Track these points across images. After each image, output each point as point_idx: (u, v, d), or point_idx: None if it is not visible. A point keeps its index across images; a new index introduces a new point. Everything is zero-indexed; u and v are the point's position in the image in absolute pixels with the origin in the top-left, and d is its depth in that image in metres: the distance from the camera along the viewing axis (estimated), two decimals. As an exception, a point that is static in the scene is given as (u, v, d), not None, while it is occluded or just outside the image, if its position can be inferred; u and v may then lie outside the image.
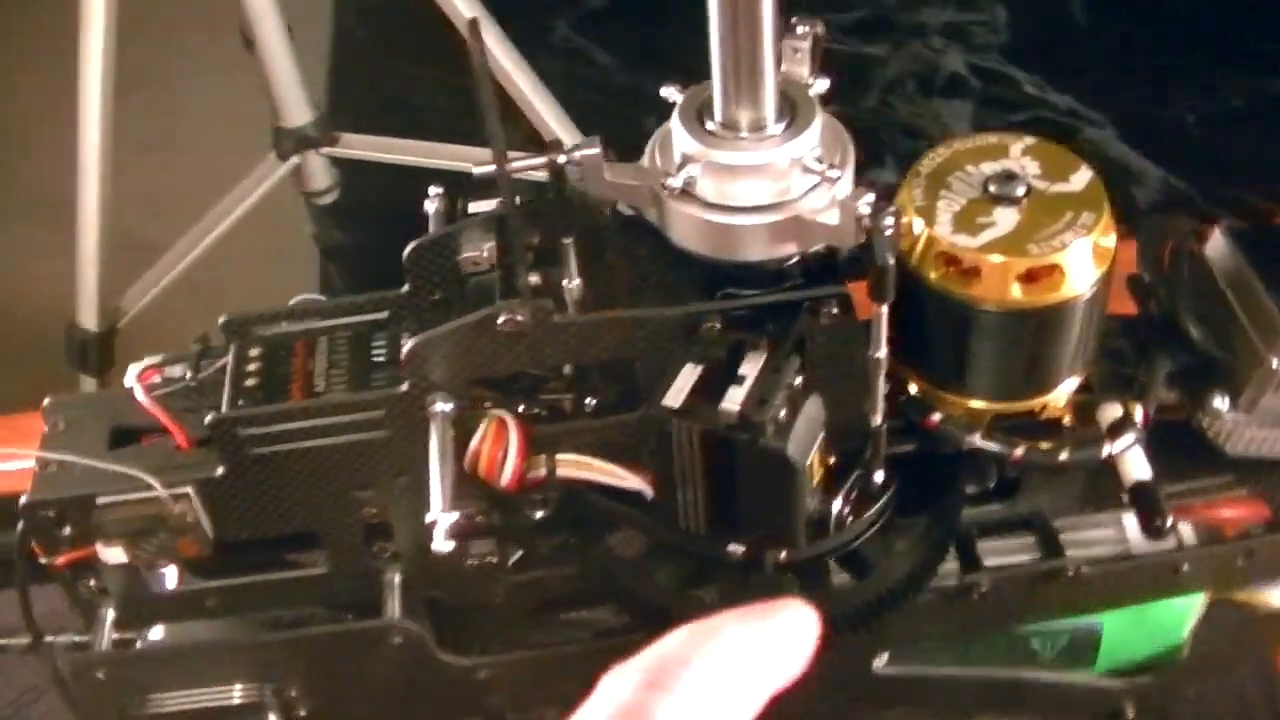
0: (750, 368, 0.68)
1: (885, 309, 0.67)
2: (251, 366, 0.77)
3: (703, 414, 0.67)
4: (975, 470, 0.84)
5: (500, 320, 0.69)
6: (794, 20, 0.72)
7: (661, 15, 2.44)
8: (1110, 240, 0.72)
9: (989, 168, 0.74)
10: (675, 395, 0.68)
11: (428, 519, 0.68)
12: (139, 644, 0.84)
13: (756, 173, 0.66)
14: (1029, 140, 0.75)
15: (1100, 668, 0.92)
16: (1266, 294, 0.78)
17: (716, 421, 0.67)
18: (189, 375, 0.79)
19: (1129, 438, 0.77)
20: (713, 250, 0.68)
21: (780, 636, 0.49)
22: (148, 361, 0.80)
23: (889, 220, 0.63)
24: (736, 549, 0.73)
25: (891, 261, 0.64)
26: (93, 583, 0.81)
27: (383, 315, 0.79)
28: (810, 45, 0.71)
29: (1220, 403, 0.81)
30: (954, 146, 0.75)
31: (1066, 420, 0.79)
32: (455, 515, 0.68)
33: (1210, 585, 0.86)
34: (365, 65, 2.87)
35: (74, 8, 1.49)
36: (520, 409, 0.77)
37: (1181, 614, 0.91)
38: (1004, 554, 0.86)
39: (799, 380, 0.68)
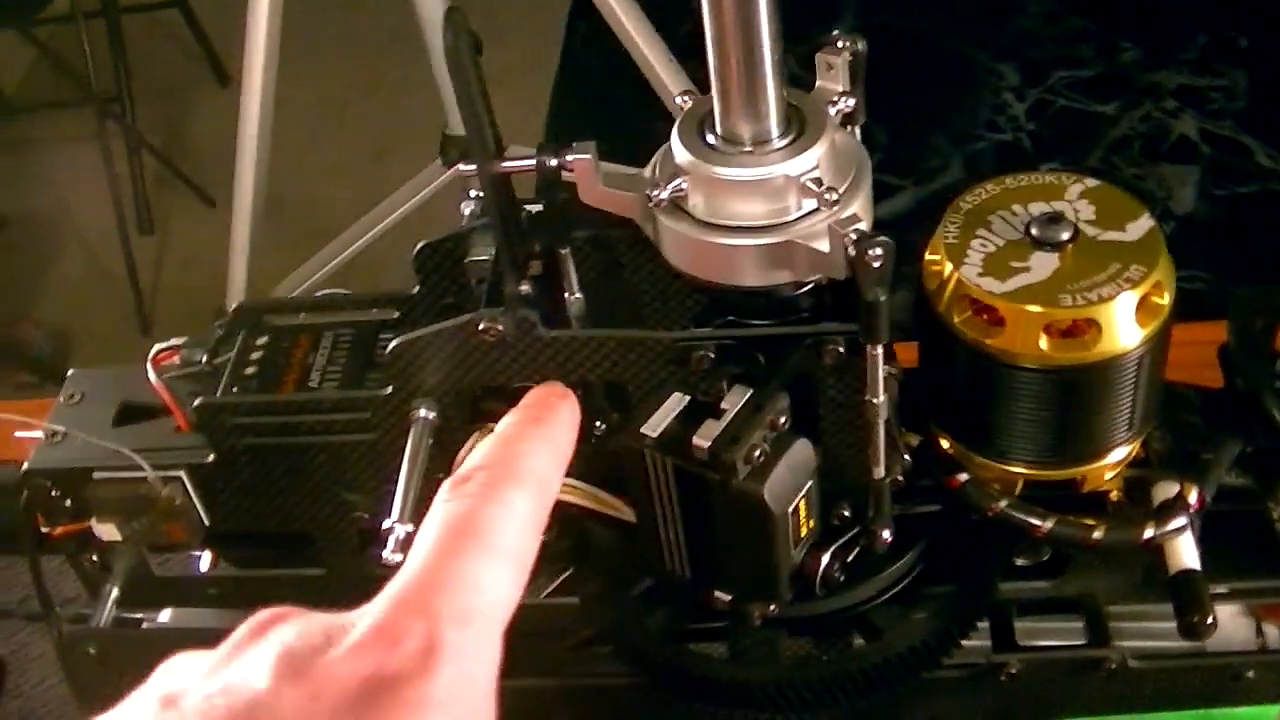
0: (732, 403, 0.62)
1: (880, 350, 0.61)
2: (255, 355, 0.75)
3: (675, 447, 0.62)
4: (1027, 544, 0.77)
5: (481, 328, 0.65)
6: (834, 33, 0.66)
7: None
8: (1165, 298, 0.65)
9: (1037, 208, 0.67)
10: (654, 425, 0.63)
11: (384, 525, 0.64)
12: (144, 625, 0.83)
13: (749, 190, 0.61)
14: (1091, 182, 0.69)
15: (1162, 774, 0.84)
16: (1358, 377, 0.70)
17: (687, 456, 0.62)
18: (204, 359, 0.77)
19: (1179, 521, 0.69)
20: (703, 272, 0.63)
21: (558, 429, 0.60)
22: (170, 343, 0.79)
23: (877, 251, 0.57)
24: (722, 597, 0.68)
25: (882, 298, 0.58)
26: (95, 559, 0.80)
27: (394, 315, 0.76)
28: (847, 61, 0.66)
29: (1296, 493, 0.72)
30: (1004, 183, 0.69)
31: (1114, 495, 0.72)
32: (409, 527, 0.64)
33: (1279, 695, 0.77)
34: (590, 90, 2.87)
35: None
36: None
37: (1255, 722, 0.82)
38: (1049, 637, 0.79)
39: (784, 421, 0.62)
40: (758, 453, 0.61)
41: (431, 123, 1.79)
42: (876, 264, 0.57)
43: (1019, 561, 0.78)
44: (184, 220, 2.57)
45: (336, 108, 2.77)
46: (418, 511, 0.65)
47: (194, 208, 2.55)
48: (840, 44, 0.66)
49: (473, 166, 0.63)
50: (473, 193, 0.75)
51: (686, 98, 0.65)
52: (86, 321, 2.38)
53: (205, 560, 0.84)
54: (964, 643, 0.73)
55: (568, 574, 0.79)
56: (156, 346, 0.78)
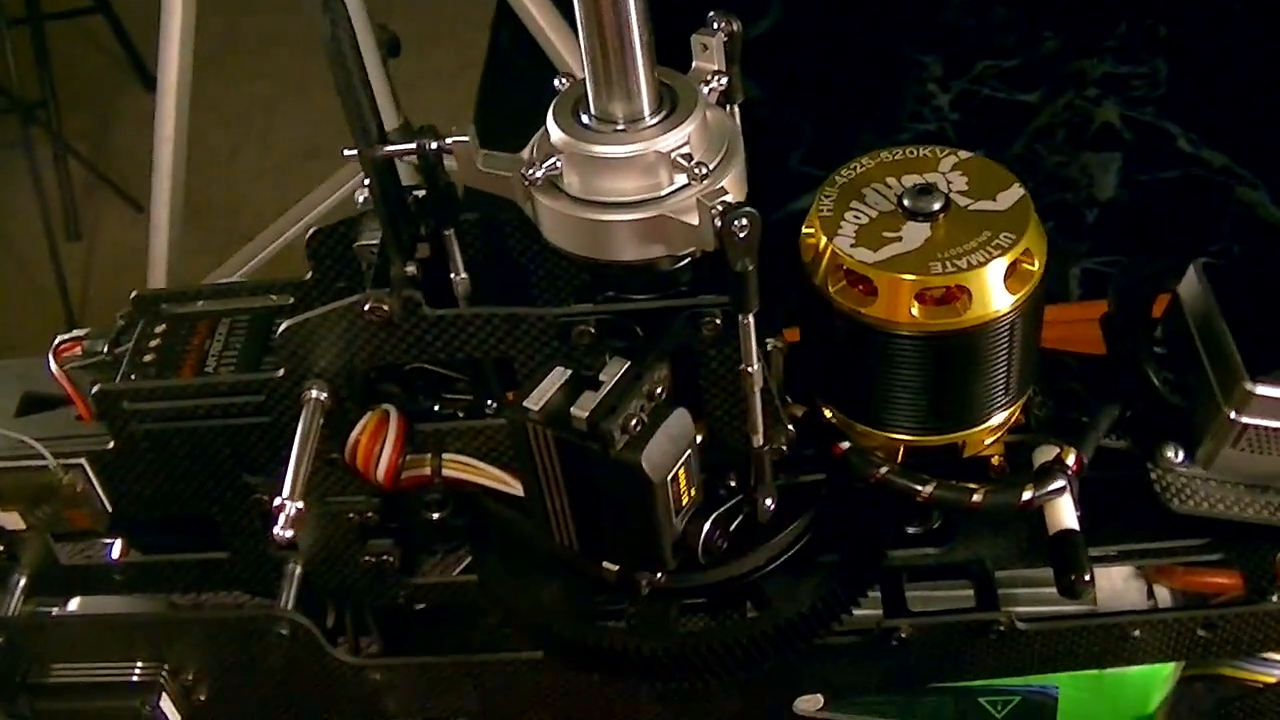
0: (610, 375, 0.64)
1: (752, 320, 0.62)
2: (153, 343, 0.76)
3: (556, 420, 0.63)
4: (917, 511, 0.79)
5: (367, 308, 0.66)
6: (710, 15, 0.68)
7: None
8: (1035, 264, 0.67)
9: (910, 180, 0.69)
10: (537, 398, 0.64)
11: (275, 503, 0.66)
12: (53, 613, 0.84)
13: (621, 166, 0.62)
14: (964, 154, 0.71)
15: (1059, 736, 0.86)
16: (1231, 337, 0.72)
17: (567, 427, 0.63)
18: (106, 349, 0.78)
19: (1057, 483, 0.71)
20: (580, 247, 0.64)
21: None
22: (72, 334, 0.80)
23: (743, 222, 0.59)
24: (611, 567, 0.69)
25: (750, 268, 0.60)
26: (1, 549, 0.81)
27: (289, 301, 0.77)
28: (723, 41, 0.67)
29: (1173, 454, 0.74)
30: (879, 157, 0.71)
31: (995, 460, 0.74)
32: (299, 504, 0.65)
33: (1170, 655, 0.79)
34: (517, 88, 2.87)
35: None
36: (433, 408, 0.75)
37: (1148, 684, 0.84)
38: (943, 604, 0.81)
39: (663, 391, 0.64)
40: (635, 422, 0.63)
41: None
42: (742, 234, 0.59)
43: (909, 530, 0.79)
44: (113, 226, 2.56)
45: (264, 109, 2.76)
46: (307, 490, 0.67)
47: (122, 214, 2.54)
48: (716, 24, 0.68)
49: (354, 151, 0.65)
50: (366, 181, 0.76)
51: (564, 80, 0.66)
52: (14, 330, 2.37)
53: (118, 549, 0.85)
54: (855, 610, 0.75)
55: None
56: (58, 338, 0.79)
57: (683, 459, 0.65)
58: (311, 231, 0.74)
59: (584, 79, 0.64)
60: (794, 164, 2.47)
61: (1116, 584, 0.86)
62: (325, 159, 2.44)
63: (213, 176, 2.50)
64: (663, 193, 0.62)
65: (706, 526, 0.67)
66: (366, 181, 0.73)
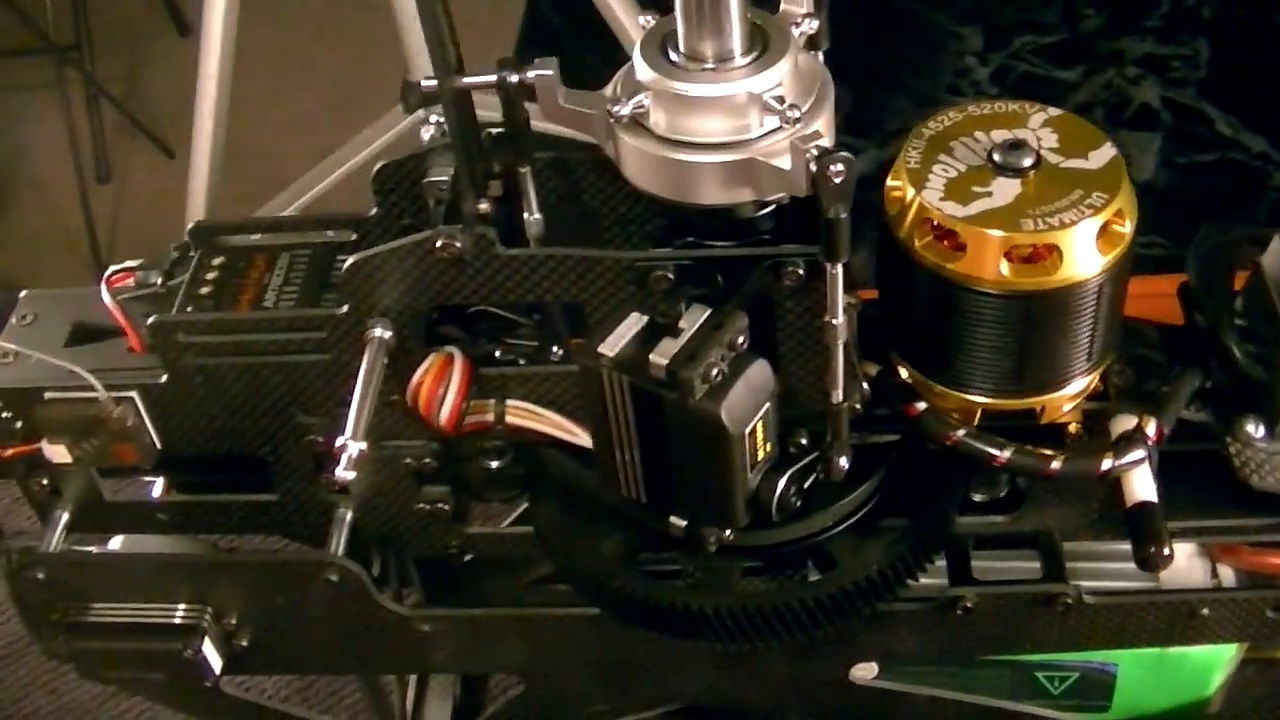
0: (690, 322, 0.62)
1: (840, 270, 0.60)
2: (210, 275, 0.74)
3: (632, 366, 0.62)
4: (985, 478, 0.77)
5: (438, 245, 0.64)
6: (797, -43, 0.66)
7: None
8: (1126, 226, 0.65)
9: (999, 135, 0.67)
10: (611, 344, 0.63)
11: (337, 443, 0.64)
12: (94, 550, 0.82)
13: (710, 106, 0.60)
14: (1054, 111, 0.68)
15: (1115, 714, 0.84)
16: (1318, 312, 0.70)
17: (644, 374, 0.61)
18: (160, 281, 0.76)
19: (1137, 453, 0.69)
20: (663, 189, 0.62)
21: None
22: (125, 265, 0.78)
23: (838, 167, 0.57)
24: (679, 522, 0.67)
25: (843, 215, 0.58)
26: (45, 483, 0.79)
27: (351, 237, 0.75)
28: (813, -17, 0.65)
29: (1254, 429, 0.72)
30: (967, 110, 0.69)
31: (1073, 428, 0.72)
32: (363, 445, 0.64)
33: (1236, 636, 0.78)
34: (555, 50, 2.85)
35: None
36: (495, 353, 0.73)
37: (1208, 665, 0.83)
38: (1006, 573, 0.79)
39: (743, 341, 0.62)
40: (715, 372, 0.61)
41: (394, 75, 1.77)
42: (838, 179, 0.57)
43: (976, 497, 0.77)
44: (143, 171, 2.53)
45: (298, 58, 2.73)
46: (370, 431, 0.65)
47: (153, 158, 2.51)
48: (805, -33, 0.66)
49: (434, 82, 0.63)
50: (433, 117, 0.74)
51: (649, 17, 0.64)
52: (43, 271, 2.35)
53: (158, 488, 0.83)
54: (920, 577, 0.73)
55: (526, 505, 0.79)
56: (111, 268, 0.77)
57: (761, 412, 0.63)
58: (380, 165, 0.73)
59: (672, 17, 0.61)
60: (830, 133, 2.45)
61: (1180, 561, 0.83)
62: (356, 109, 2.42)
63: (244, 124, 2.48)
64: (753, 135, 0.60)
65: (782, 483, 0.65)
66: (435, 118, 0.71)
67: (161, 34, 2.79)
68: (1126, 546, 0.72)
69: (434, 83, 0.63)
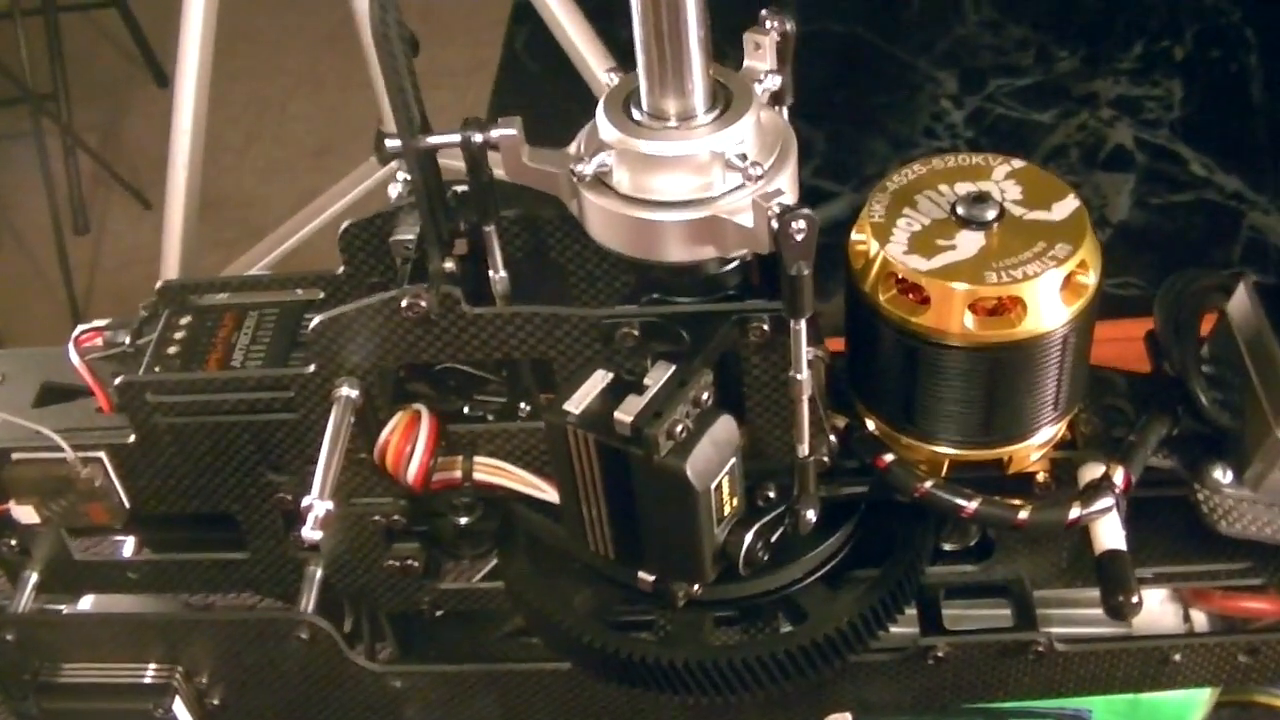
0: (655, 379, 0.62)
1: (804, 326, 0.60)
2: (178, 335, 0.74)
3: (598, 424, 0.62)
4: (955, 528, 0.77)
5: (404, 304, 0.65)
6: (763, 13, 0.66)
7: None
8: (1090, 278, 0.65)
9: (963, 188, 0.67)
10: (577, 401, 0.63)
11: (303, 503, 0.64)
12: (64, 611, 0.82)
13: (673, 165, 0.60)
14: (1017, 163, 0.69)
15: (1090, 760, 0.84)
16: (1284, 358, 0.70)
17: (610, 432, 0.61)
18: (128, 340, 0.76)
19: (1105, 501, 0.69)
20: (628, 247, 0.63)
21: None
22: (93, 324, 0.78)
23: (800, 225, 0.57)
24: (647, 577, 0.67)
25: (805, 271, 0.58)
26: (14, 543, 0.79)
27: (319, 296, 0.75)
28: (775, 40, 0.66)
29: (1222, 475, 0.72)
30: (931, 164, 0.69)
31: (1041, 477, 0.72)
32: (330, 504, 0.64)
33: (1208, 680, 0.78)
34: (530, 94, 2.86)
35: None
36: (463, 409, 0.73)
37: (1183, 710, 0.83)
38: (977, 622, 0.79)
39: (708, 397, 0.62)
40: (680, 428, 0.61)
41: (372, 120, 1.78)
42: (799, 236, 0.57)
43: (946, 546, 0.78)
44: (120, 221, 2.54)
45: (275, 107, 2.74)
46: (338, 490, 0.65)
47: (131, 209, 2.51)
48: (769, 23, 0.66)
49: (398, 143, 0.63)
50: (401, 175, 0.74)
51: (613, 74, 0.65)
52: (19, 320, 2.35)
53: (129, 547, 0.83)
54: (891, 627, 0.73)
55: (497, 560, 0.78)
56: (80, 327, 0.77)
57: (727, 467, 0.63)
58: (346, 225, 0.73)
59: (635, 74, 0.62)
60: (806, 177, 2.46)
61: (1153, 606, 0.84)
62: (337, 156, 2.43)
63: (223, 172, 2.49)
64: (716, 193, 0.61)
65: (749, 537, 0.65)
66: (403, 175, 0.71)
67: (139, 84, 2.79)
68: (1097, 593, 0.73)
69: (398, 143, 0.63)
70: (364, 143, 1.90)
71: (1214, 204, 2.57)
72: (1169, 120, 2.77)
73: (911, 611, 0.76)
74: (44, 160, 2.42)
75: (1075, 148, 2.72)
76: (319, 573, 0.77)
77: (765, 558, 0.67)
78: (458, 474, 0.71)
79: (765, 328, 0.64)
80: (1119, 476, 0.70)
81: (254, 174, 2.59)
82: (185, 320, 0.75)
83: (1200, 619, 0.83)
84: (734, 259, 0.64)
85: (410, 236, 0.71)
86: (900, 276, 0.65)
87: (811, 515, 0.68)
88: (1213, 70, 2.85)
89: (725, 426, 0.63)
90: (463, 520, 0.74)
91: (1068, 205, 0.67)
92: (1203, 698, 0.82)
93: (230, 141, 2.61)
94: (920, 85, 2.78)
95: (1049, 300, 0.64)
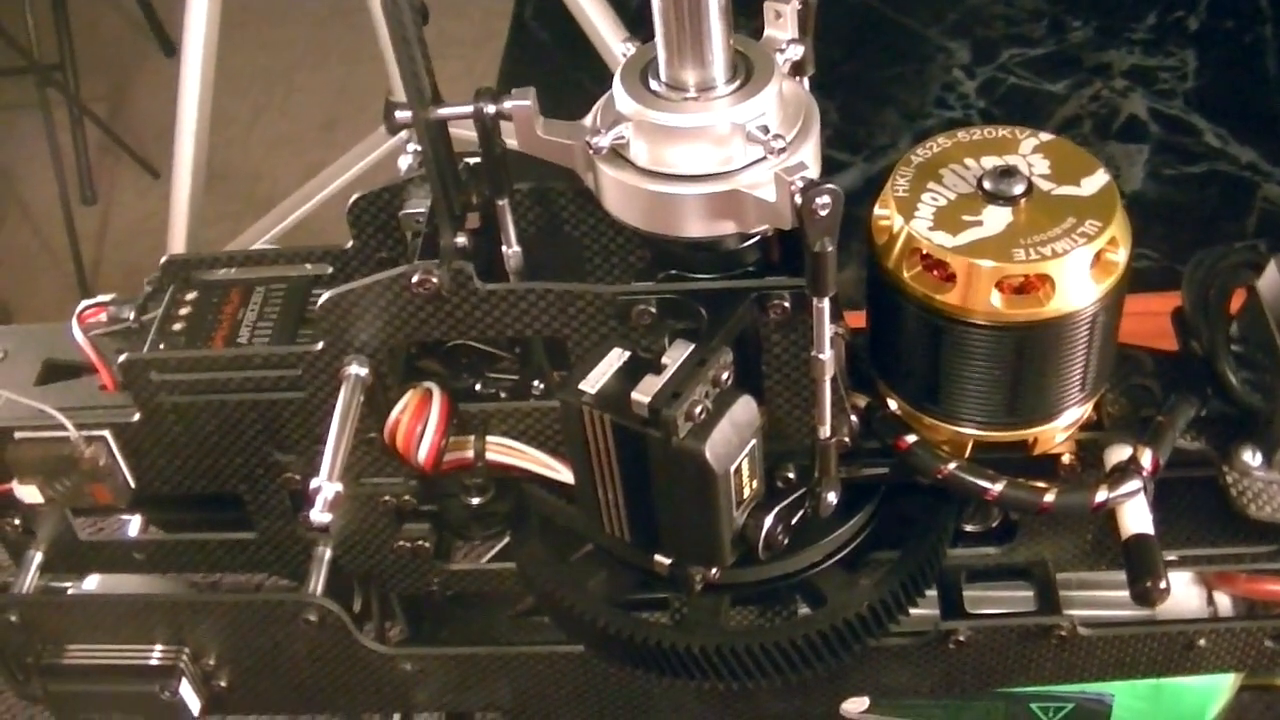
0: (673, 358, 0.60)
1: (826, 303, 0.59)
2: (183, 311, 0.72)
3: (614, 404, 0.60)
4: (977, 509, 0.76)
5: (415, 280, 0.63)
6: (782, -19, 0.64)
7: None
8: (1120, 255, 0.63)
9: (990, 162, 0.65)
10: (593, 381, 0.61)
11: (312, 485, 0.62)
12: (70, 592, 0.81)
13: (692, 136, 0.58)
14: (1045, 137, 0.67)
15: (1112, 745, 0.83)
16: (1316, 336, 0.68)
17: (626, 413, 0.59)
18: (133, 316, 0.75)
19: (1132, 484, 0.68)
20: (645, 222, 0.61)
21: None
22: (97, 299, 0.76)
23: (824, 200, 0.55)
24: (664, 561, 0.65)
25: (829, 248, 0.56)
26: (17, 523, 0.77)
27: (327, 270, 0.74)
28: (796, 9, 0.64)
29: (1251, 458, 0.71)
30: (957, 137, 0.67)
31: (1066, 459, 0.70)
32: (338, 486, 0.62)
33: (1233, 665, 0.76)
34: (539, 64, 2.83)
35: None
36: (475, 387, 0.71)
37: (1205, 695, 0.81)
38: (1001, 605, 0.78)
39: (728, 377, 0.60)
40: (699, 409, 0.59)
41: (381, 93, 1.76)
42: (823, 212, 0.55)
43: (968, 528, 0.76)
44: (127, 192, 2.52)
45: (283, 78, 2.72)
46: (347, 471, 0.63)
47: (138, 179, 2.50)
48: (788, -9, 0.64)
49: (409, 114, 0.61)
50: (410, 146, 0.72)
51: (630, 45, 0.63)
52: (27, 292, 2.34)
53: (135, 526, 0.82)
54: (912, 610, 0.72)
55: (508, 540, 0.77)
56: (83, 303, 0.75)
57: (747, 449, 0.61)
58: (355, 198, 0.71)
59: (653, 45, 0.60)
60: (818, 147, 2.44)
61: (1177, 589, 0.82)
62: (344, 129, 2.41)
63: (230, 144, 2.47)
64: (736, 166, 0.59)
65: (769, 521, 0.63)
66: (413, 147, 0.70)
67: (146, 54, 2.77)
68: (1122, 575, 0.71)
69: (409, 114, 0.61)
70: (371, 116, 1.89)
71: (1228, 175, 2.54)
72: (1183, 91, 2.74)
73: (932, 594, 0.74)
74: (51, 131, 2.40)
75: (1088, 118, 2.70)
76: (328, 553, 0.75)
77: (785, 541, 0.65)
78: (470, 454, 0.69)
79: (786, 305, 0.62)
80: (1146, 459, 0.68)
81: (261, 146, 2.57)
82: (191, 296, 0.73)
83: (1224, 601, 0.82)
84: (754, 234, 0.62)
85: (421, 210, 0.69)
86: (925, 253, 0.63)
87: (832, 498, 0.66)
88: (1227, 41, 2.82)
89: (745, 407, 0.61)
90: (474, 501, 0.72)
91: (1097, 180, 0.65)
92: (1226, 683, 0.81)
93: (237, 114, 2.59)
94: (932, 55, 2.76)
95: (1078, 278, 0.62)
